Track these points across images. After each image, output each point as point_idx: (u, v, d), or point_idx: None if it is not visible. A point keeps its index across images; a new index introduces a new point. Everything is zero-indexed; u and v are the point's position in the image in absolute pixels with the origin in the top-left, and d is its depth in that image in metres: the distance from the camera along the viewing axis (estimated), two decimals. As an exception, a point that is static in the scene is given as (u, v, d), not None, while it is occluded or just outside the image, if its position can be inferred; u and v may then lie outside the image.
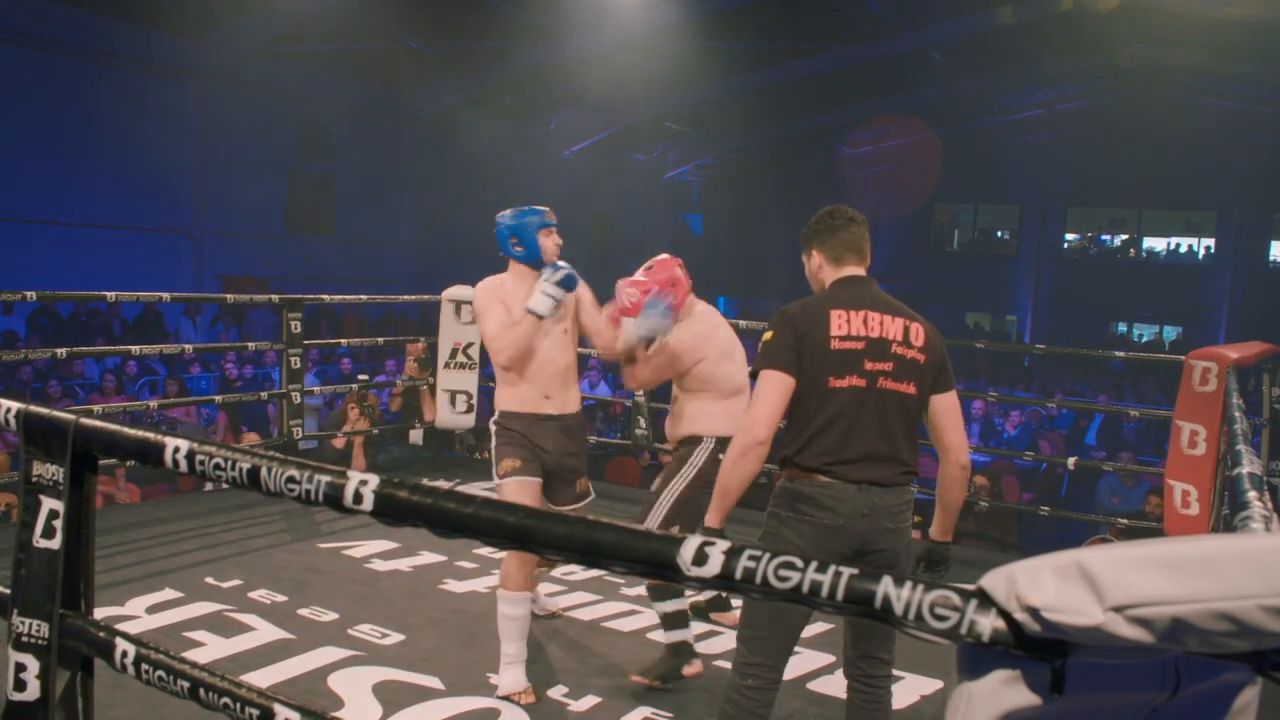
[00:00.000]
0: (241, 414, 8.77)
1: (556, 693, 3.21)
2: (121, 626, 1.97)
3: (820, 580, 1.04)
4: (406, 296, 8.37)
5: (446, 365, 6.00)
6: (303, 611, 3.76)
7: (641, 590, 4.15)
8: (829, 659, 3.49)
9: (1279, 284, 21.13)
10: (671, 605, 3.31)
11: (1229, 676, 1.01)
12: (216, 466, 1.51)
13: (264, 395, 7.15)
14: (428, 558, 4.49)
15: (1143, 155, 21.07)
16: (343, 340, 9.05)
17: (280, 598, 3.89)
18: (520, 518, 1.26)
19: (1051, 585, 0.91)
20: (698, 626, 3.60)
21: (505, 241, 3.37)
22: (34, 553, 1.69)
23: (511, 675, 3.17)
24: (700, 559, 1.11)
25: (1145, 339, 22.56)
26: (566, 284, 3.26)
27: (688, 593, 3.57)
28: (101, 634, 1.71)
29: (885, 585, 1.01)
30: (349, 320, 13.92)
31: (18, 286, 4.84)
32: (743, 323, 5.43)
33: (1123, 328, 22.99)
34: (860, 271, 2.50)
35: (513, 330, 3.24)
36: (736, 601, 3.66)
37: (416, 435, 6.64)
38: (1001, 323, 24.18)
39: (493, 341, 3.28)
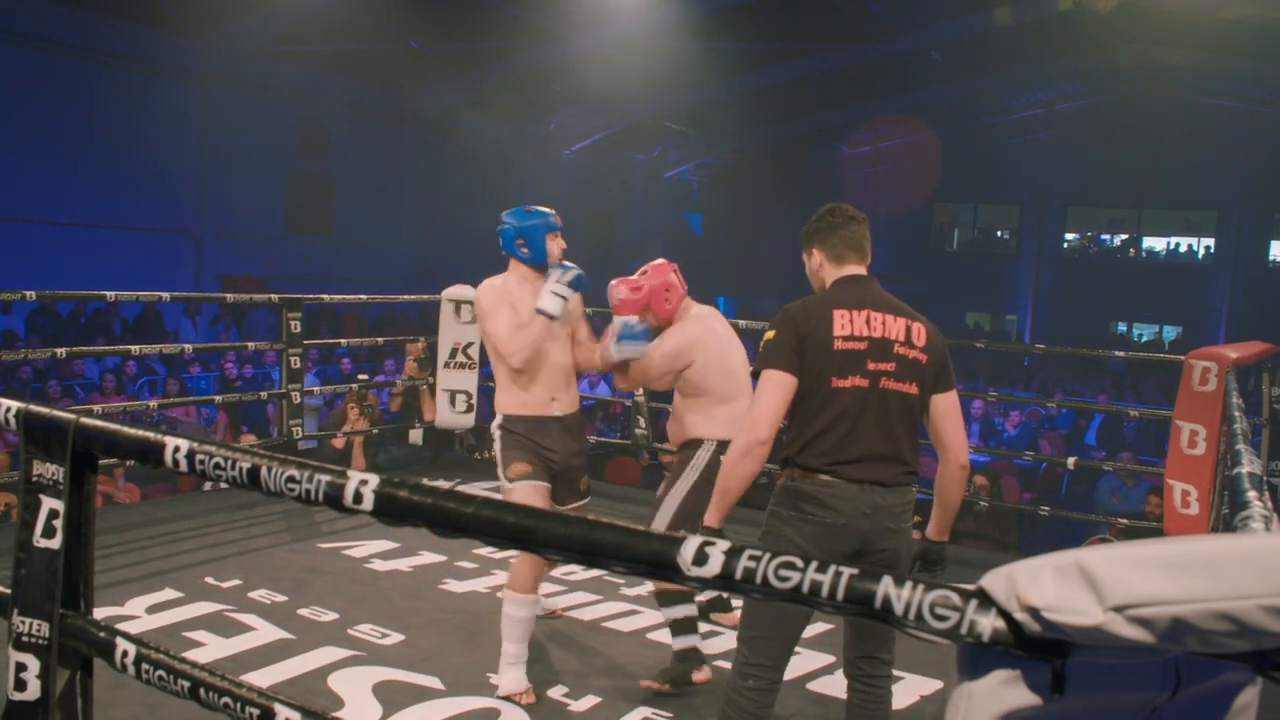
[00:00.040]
0: (241, 414, 8.77)
1: (556, 693, 3.21)
2: (121, 626, 1.97)
3: (820, 580, 1.04)
4: (406, 296, 8.37)
5: (446, 365, 6.00)
6: (303, 611, 3.76)
7: (641, 590, 4.16)
8: (829, 659, 3.49)
9: (1279, 284, 21.13)
10: (680, 611, 3.29)
11: (1229, 676, 1.01)
12: (216, 466, 1.51)
13: (264, 395, 7.15)
14: (428, 558, 4.49)
15: (1143, 155, 21.07)
16: (343, 340, 9.05)
17: (280, 598, 3.89)
18: (520, 518, 1.26)
19: (1051, 585, 0.91)
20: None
21: (511, 242, 3.36)
22: (34, 552, 1.69)
23: (512, 675, 3.17)
24: (700, 559, 1.11)
25: (1145, 339, 22.56)
26: (577, 284, 3.27)
27: (699, 597, 3.57)
28: (101, 634, 1.71)
29: (885, 585, 1.01)
30: (349, 320, 13.92)
31: (18, 286, 4.84)
32: (743, 322, 5.43)
33: (1123, 328, 22.99)
34: (861, 270, 2.50)
35: (525, 332, 3.23)
36: (737, 602, 3.65)
37: (416, 435, 6.64)
38: (1001, 323, 24.18)
39: (505, 344, 3.24)
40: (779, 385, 2.34)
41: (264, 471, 1.45)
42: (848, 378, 2.34)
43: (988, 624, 0.95)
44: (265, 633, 3.54)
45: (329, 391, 8.69)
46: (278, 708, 1.52)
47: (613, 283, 3.47)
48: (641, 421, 6.14)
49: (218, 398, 6.78)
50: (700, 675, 3.26)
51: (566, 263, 3.32)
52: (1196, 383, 4.23)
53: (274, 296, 6.10)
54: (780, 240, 15.61)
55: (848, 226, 2.50)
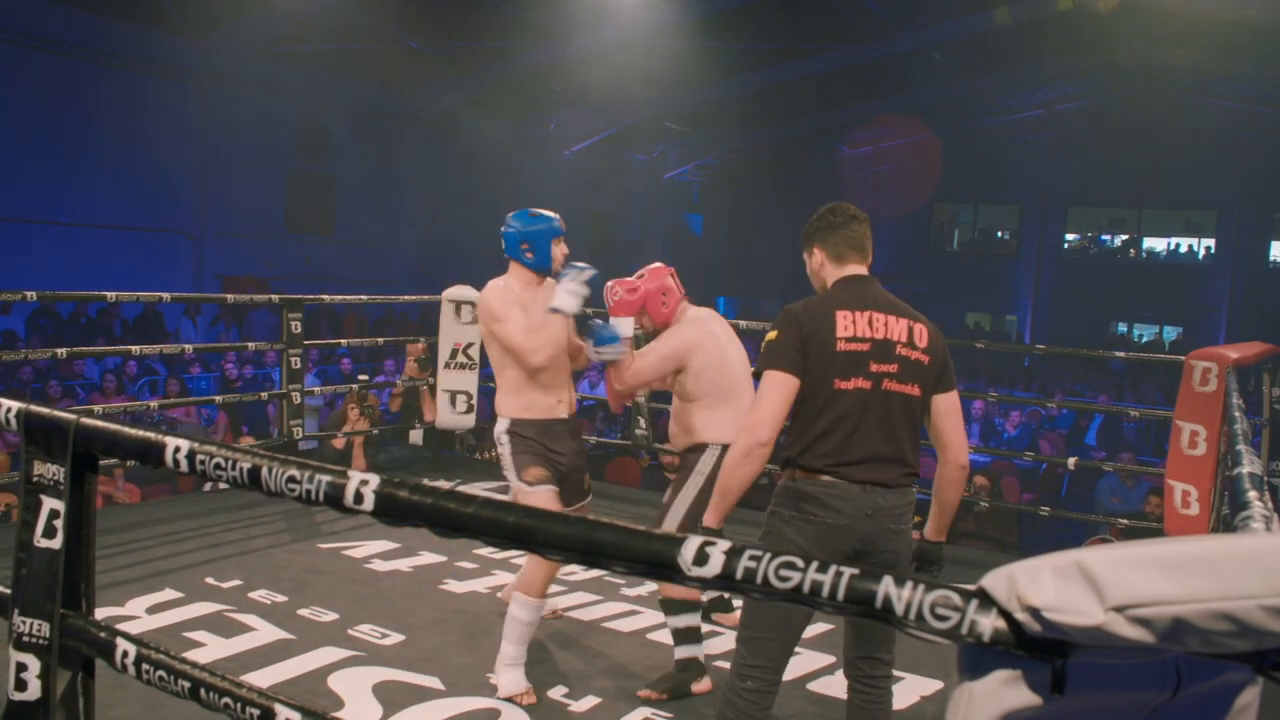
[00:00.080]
0: (241, 414, 8.77)
1: (556, 693, 3.21)
2: (122, 626, 1.97)
3: (821, 580, 1.04)
4: (406, 296, 8.37)
5: (446, 365, 6.00)
6: (303, 611, 3.76)
7: (642, 590, 4.16)
8: (829, 659, 3.49)
9: (1279, 284, 21.13)
10: (684, 620, 3.27)
11: (1230, 676, 1.01)
12: (217, 466, 1.51)
13: (264, 395, 7.15)
14: (428, 558, 4.49)
15: (1143, 155, 21.08)
16: (343, 340, 9.05)
17: (280, 598, 3.89)
18: (520, 518, 1.26)
19: (1052, 585, 0.91)
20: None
21: (515, 247, 3.35)
22: (35, 552, 1.70)
23: (512, 676, 3.17)
24: (701, 559, 1.11)
25: (1145, 339, 22.57)
26: (592, 284, 3.30)
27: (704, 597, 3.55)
28: (102, 634, 1.71)
29: (886, 585, 1.01)
30: (349, 320, 13.92)
31: (18, 286, 4.84)
32: (743, 323, 5.43)
33: (1123, 328, 22.99)
34: (863, 270, 2.49)
35: (545, 330, 3.25)
36: (738, 602, 3.65)
37: (416, 435, 6.64)
38: (1001, 323, 24.19)
39: (525, 343, 3.25)
40: (781, 386, 2.33)
41: (264, 472, 1.45)
42: (850, 379, 2.33)
43: (988, 624, 0.95)
44: (265, 633, 3.54)
45: (329, 392, 8.69)
46: (278, 708, 1.52)
47: (609, 284, 3.46)
48: (641, 422, 6.14)
49: (218, 398, 6.78)
50: (700, 686, 3.24)
51: (578, 263, 3.33)
52: (1197, 383, 4.23)
53: (274, 297, 6.10)
54: (780, 240, 15.62)
55: (849, 226, 2.49)
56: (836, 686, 3.16)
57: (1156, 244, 23.16)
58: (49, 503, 1.69)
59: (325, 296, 6.45)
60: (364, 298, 7.41)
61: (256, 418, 9.07)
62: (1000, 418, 11.53)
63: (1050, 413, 12.14)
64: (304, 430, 5.77)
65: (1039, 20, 15.00)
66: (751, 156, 23.50)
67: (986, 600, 0.96)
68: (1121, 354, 6.82)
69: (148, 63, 12.97)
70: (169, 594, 3.86)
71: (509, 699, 3.11)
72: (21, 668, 1.70)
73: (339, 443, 6.27)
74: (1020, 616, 0.92)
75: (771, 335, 2.39)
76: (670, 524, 3.30)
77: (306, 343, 5.91)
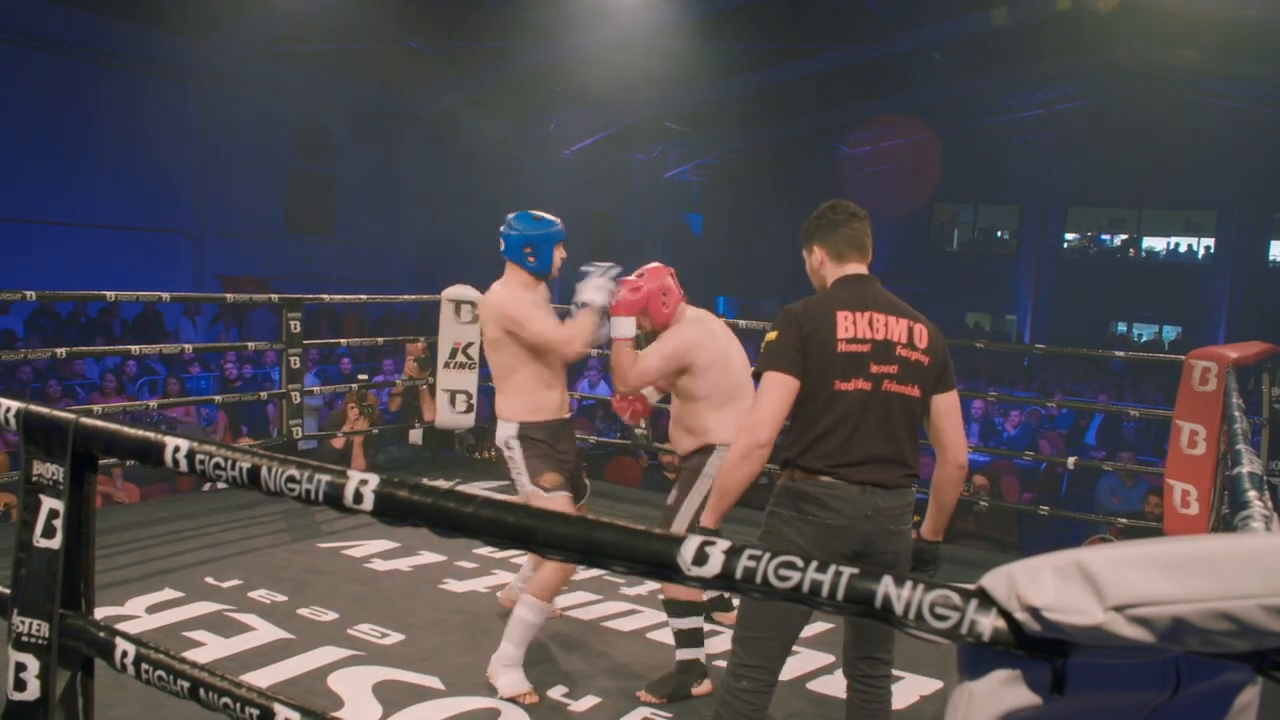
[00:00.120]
0: (241, 414, 8.77)
1: (556, 693, 3.21)
2: (121, 626, 1.97)
3: (820, 580, 1.04)
4: (406, 296, 8.36)
5: (446, 365, 6.00)
6: (303, 611, 3.76)
7: (642, 590, 4.16)
8: (829, 659, 3.49)
9: (1279, 284, 21.14)
10: (688, 622, 3.26)
11: (1229, 676, 1.01)
12: (216, 466, 1.51)
13: (264, 395, 7.15)
14: (428, 558, 4.49)
15: (1143, 155, 21.08)
16: (343, 340, 9.05)
17: (280, 598, 3.89)
18: (520, 518, 1.25)
19: (1052, 585, 0.91)
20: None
21: (518, 250, 3.35)
22: (34, 552, 1.69)
23: (512, 677, 3.17)
24: (701, 559, 1.11)
25: (1145, 339, 22.57)
26: (617, 279, 3.33)
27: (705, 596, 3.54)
28: (101, 634, 1.71)
29: (885, 585, 1.01)
30: (349, 320, 13.93)
31: (18, 286, 4.83)
32: (743, 323, 5.43)
33: (1123, 328, 23.00)
34: (863, 269, 2.48)
35: (578, 322, 3.28)
36: (738, 600, 3.64)
37: (416, 435, 6.63)
38: (1001, 323, 24.19)
39: (559, 335, 3.29)
40: (781, 387, 2.32)
41: (264, 471, 1.45)
42: (850, 380, 2.32)
43: (988, 624, 0.95)
44: (265, 633, 3.53)
45: (329, 391, 8.69)
46: (277, 708, 1.52)
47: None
48: (642, 421, 6.13)
49: (218, 398, 6.78)
50: (700, 688, 3.23)
51: (600, 263, 3.36)
52: (1196, 383, 4.23)
53: (274, 296, 6.10)
54: (780, 240, 15.63)
55: (849, 223, 2.48)
56: (836, 686, 3.16)
57: (1156, 244, 23.17)
58: (48, 502, 1.69)
59: (325, 296, 6.44)
60: (364, 298, 7.40)
61: (256, 417, 9.06)
62: (1000, 417, 11.53)
63: (1050, 412, 12.14)
64: (303, 430, 5.77)
65: (1038, 20, 15.00)
66: (751, 156, 23.50)
67: (986, 600, 0.96)
68: (1121, 354, 6.81)
69: (148, 63, 12.97)
70: (169, 594, 3.86)
71: (511, 699, 3.11)
72: (21, 668, 1.70)
73: (338, 442, 6.27)
74: (1020, 616, 0.92)
75: (771, 336, 2.38)
76: (680, 526, 3.29)
77: (306, 342, 5.91)
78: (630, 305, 3.31)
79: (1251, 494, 1.84)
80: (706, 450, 3.31)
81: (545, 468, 3.32)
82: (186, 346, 7.60)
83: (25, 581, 1.70)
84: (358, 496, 1.36)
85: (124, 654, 1.66)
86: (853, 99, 20.10)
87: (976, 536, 6.13)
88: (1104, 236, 23.71)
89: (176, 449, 1.56)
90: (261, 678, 3.10)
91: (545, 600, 3.21)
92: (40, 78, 12.01)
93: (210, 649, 3.37)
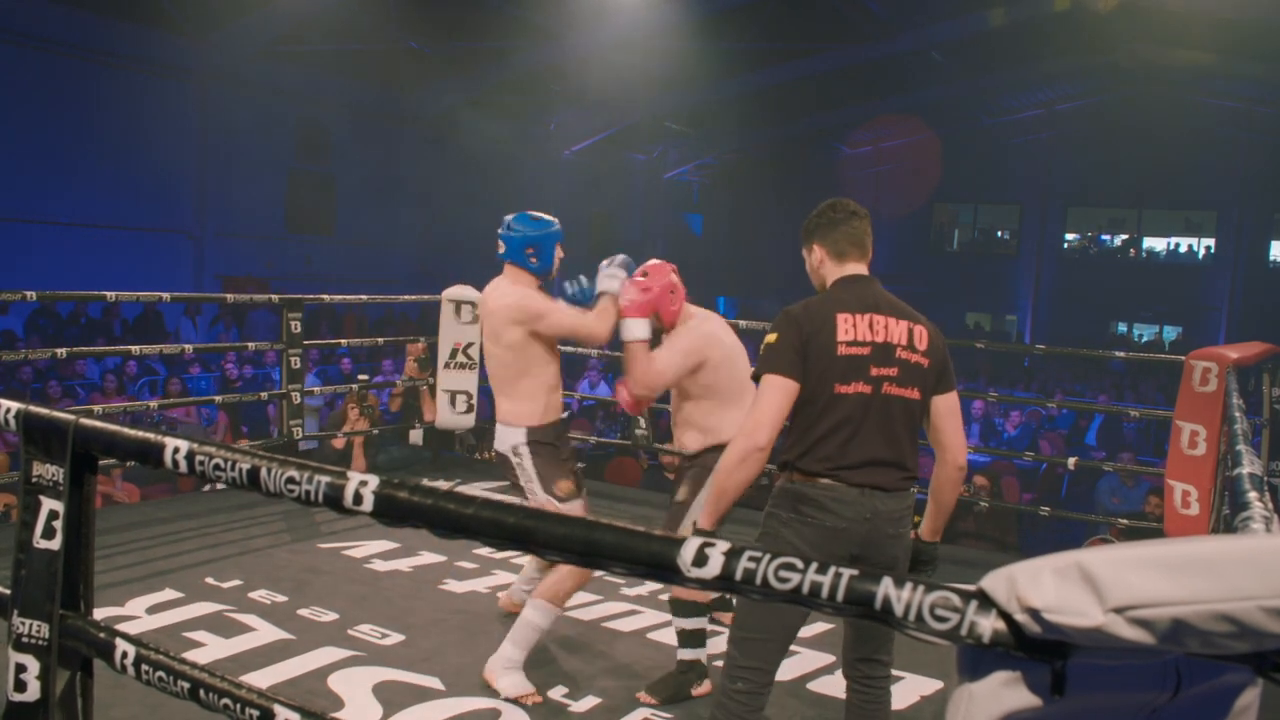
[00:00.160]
0: (241, 414, 8.77)
1: (556, 693, 3.21)
2: (121, 627, 1.97)
3: (820, 581, 1.04)
4: (406, 296, 8.37)
5: (446, 365, 6.00)
6: (303, 611, 3.76)
7: (642, 590, 4.16)
8: (829, 659, 3.49)
9: (1279, 284, 21.14)
10: (692, 623, 3.24)
11: (1230, 677, 1.01)
12: (216, 467, 1.51)
13: (264, 395, 7.15)
14: (428, 558, 4.49)
15: (1143, 155, 21.09)
16: (343, 340, 9.05)
17: (280, 598, 3.89)
18: (520, 518, 1.25)
19: (1052, 586, 0.91)
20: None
21: (520, 251, 3.33)
22: (34, 553, 1.69)
23: (514, 679, 3.16)
24: (700, 560, 1.11)
25: (1145, 339, 22.58)
26: (630, 269, 3.33)
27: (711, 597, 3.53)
28: (101, 634, 1.71)
29: (885, 586, 1.01)
30: (349, 320, 13.93)
31: (18, 286, 4.83)
32: (742, 323, 5.42)
33: (1123, 328, 23.01)
34: (863, 269, 2.47)
35: (602, 310, 3.28)
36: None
37: (416, 435, 6.63)
38: (1001, 323, 24.20)
39: (586, 321, 3.30)
40: (780, 391, 2.31)
41: (264, 472, 1.45)
42: (850, 383, 2.31)
43: (988, 625, 0.95)
44: (265, 633, 3.53)
45: (329, 392, 8.69)
46: (277, 708, 1.52)
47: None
48: (641, 422, 6.14)
49: (218, 398, 6.78)
50: (700, 689, 3.22)
51: (612, 257, 3.38)
52: (1197, 383, 4.23)
53: (274, 297, 6.09)
54: (780, 240, 15.63)
55: (849, 222, 2.46)
56: (836, 686, 3.16)
57: (1156, 244, 23.17)
58: (48, 503, 1.69)
59: (325, 296, 6.44)
60: (364, 298, 7.41)
61: (256, 418, 9.07)
62: (1000, 418, 11.53)
63: (1050, 413, 12.14)
64: (304, 430, 5.76)
65: (1037, 20, 15.01)
66: (751, 156, 23.51)
67: (986, 601, 0.96)
68: (1121, 354, 6.82)
69: (148, 63, 12.97)
70: (169, 594, 3.86)
71: (515, 700, 3.10)
72: (21, 669, 1.70)
73: (339, 443, 6.27)
74: (1020, 617, 0.92)
75: (771, 338, 2.36)
76: (690, 524, 3.26)
77: (306, 343, 5.91)
78: (643, 306, 3.22)
79: (1252, 495, 1.84)
80: (719, 449, 3.28)
81: (558, 475, 3.31)
82: (187, 347, 7.60)
83: (25, 582, 1.70)
84: (357, 498, 1.36)
85: (124, 654, 1.66)
86: (853, 99, 20.11)
87: (977, 537, 6.13)
88: (1104, 236, 23.72)
89: (176, 450, 1.56)
90: (262, 678, 3.10)
91: (557, 605, 3.20)
92: (40, 78, 12.02)
93: (210, 649, 3.37)
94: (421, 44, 14.85)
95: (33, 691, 1.70)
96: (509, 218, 3.41)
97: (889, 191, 23.28)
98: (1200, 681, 1.00)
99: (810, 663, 3.48)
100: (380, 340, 7.73)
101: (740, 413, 3.19)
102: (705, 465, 3.29)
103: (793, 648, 3.48)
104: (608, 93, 16.56)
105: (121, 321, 11.87)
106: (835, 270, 2.46)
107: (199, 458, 1.53)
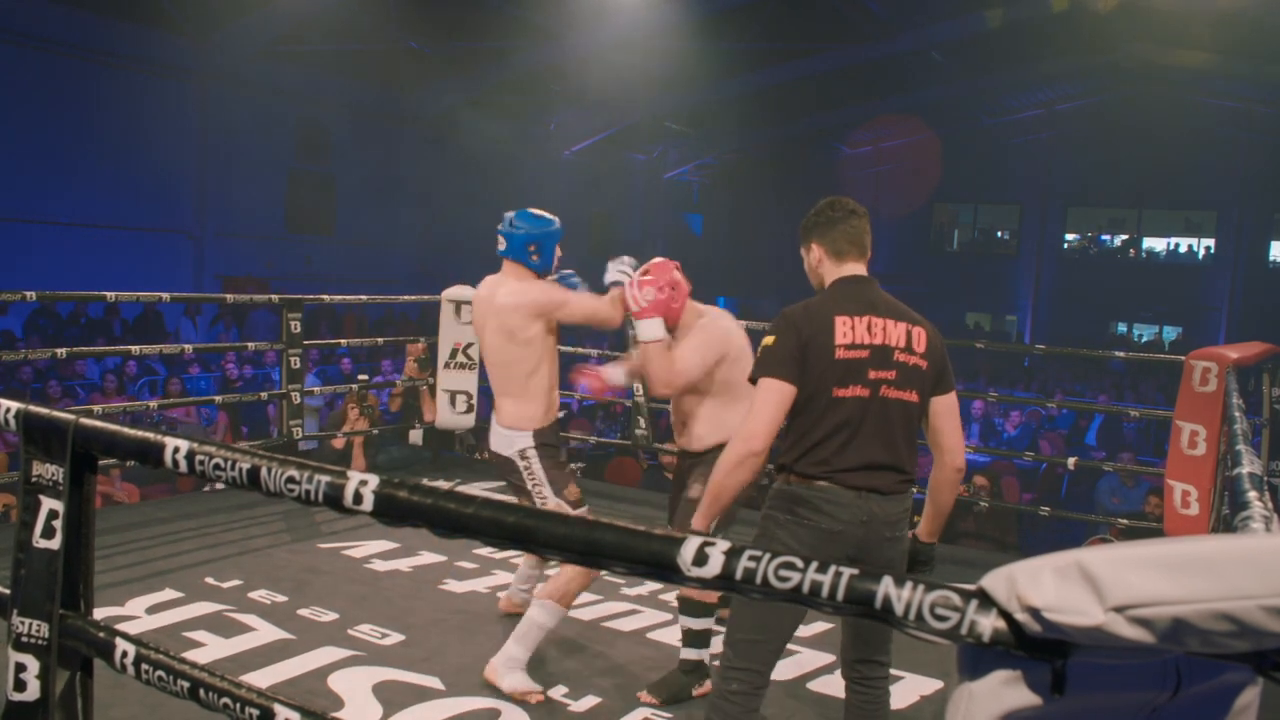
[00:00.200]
0: (241, 414, 8.77)
1: (556, 693, 3.21)
2: (121, 626, 1.97)
3: (821, 580, 1.04)
4: (406, 296, 8.37)
5: (446, 365, 6.00)
6: (303, 611, 3.76)
7: (642, 590, 4.16)
8: (829, 659, 3.49)
9: (1279, 284, 21.15)
10: (700, 623, 3.24)
11: (1230, 677, 1.01)
12: (216, 467, 1.51)
13: (264, 395, 7.15)
14: (428, 558, 4.49)
15: (1143, 155, 21.09)
16: (343, 340, 9.05)
17: (280, 598, 3.89)
18: (520, 518, 1.25)
19: (1052, 585, 0.91)
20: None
21: (522, 248, 3.32)
22: (34, 553, 1.69)
23: (519, 677, 3.16)
24: (701, 559, 1.11)
25: (1145, 339, 22.58)
26: (634, 269, 3.35)
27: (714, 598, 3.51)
28: (101, 634, 1.71)
29: (886, 585, 1.01)
30: (349, 320, 13.93)
31: (18, 286, 4.83)
32: (743, 323, 5.41)
33: (1123, 328, 23.01)
34: (861, 269, 2.45)
35: (615, 296, 3.30)
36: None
37: (416, 435, 6.63)
38: (1001, 323, 24.20)
39: (603, 306, 3.32)
40: (778, 395, 2.29)
41: (264, 472, 1.45)
42: (849, 387, 2.29)
43: (988, 624, 0.95)
44: (265, 633, 3.53)
45: (329, 392, 8.69)
46: (278, 708, 1.52)
47: (633, 279, 3.29)
48: (641, 421, 6.14)
49: (218, 398, 6.78)
50: (701, 690, 3.21)
51: (619, 257, 3.40)
52: (1197, 383, 4.23)
53: (274, 297, 6.09)
54: (780, 240, 15.61)
55: (848, 221, 2.44)
56: (836, 686, 3.15)
57: (1156, 244, 23.18)
58: (48, 503, 1.69)
59: (325, 296, 6.44)
60: (364, 298, 7.41)
61: (256, 418, 9.07)
62: (1000, 418, 11.54)
63: (1050, 413, 12.15)
64: (304, 430, 5.76)
65: (1037, 20, 15.01)
66: (751, 156, 23.51)
67: (986, 600, 0.96)
68: (1121, 354, 6.81)
69: (148, 63, 12.97)
70: (169, 594, 3.86)
71: (522, 699, 3.10)
72: (20, 668, 1.70)
73: (339, 443, 6.27)
74: (1020, 617, 0.92)
75: (768, 341, 2.35)
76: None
77: (306, 343, 5.91)
78: (658, 305, 3.17)
79: (1252, 494, 1.84)
80: None
81: (567, 479, 3.32)
82: (186, 347, 7.59)
83: (25, 582, 1.70)
84: (357, 497, 1.36)
85: (124, 654, 1.66)
86: (853, 99, 20.11)
87: (977, 537, 6.13)
88: (1104, 236, 23.72)
89: (176, 449, 1.56)
90: (261, 678, 3.10)
91: (564, 605, 3.19)
92: (40, 78, 12.02)
93: (210, 649, 3.37)
94: (421, 44, 14.86)
95: (33, 691, 1.70)
96: (510, 214, 3.41)
97: (889, 191, 23.29)
98: (1200, 681, 1.00)
99: (810, 662, 3.48)
100: (380, 340, 7.73)
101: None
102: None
103: (793, 647, 3.49)
104: (608, 93, 16.56)
105: (121, 321, 11.87)
106: (834, 270, 2.45)
107: (199, 457, 1.53)
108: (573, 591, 3.19)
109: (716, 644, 3.57)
